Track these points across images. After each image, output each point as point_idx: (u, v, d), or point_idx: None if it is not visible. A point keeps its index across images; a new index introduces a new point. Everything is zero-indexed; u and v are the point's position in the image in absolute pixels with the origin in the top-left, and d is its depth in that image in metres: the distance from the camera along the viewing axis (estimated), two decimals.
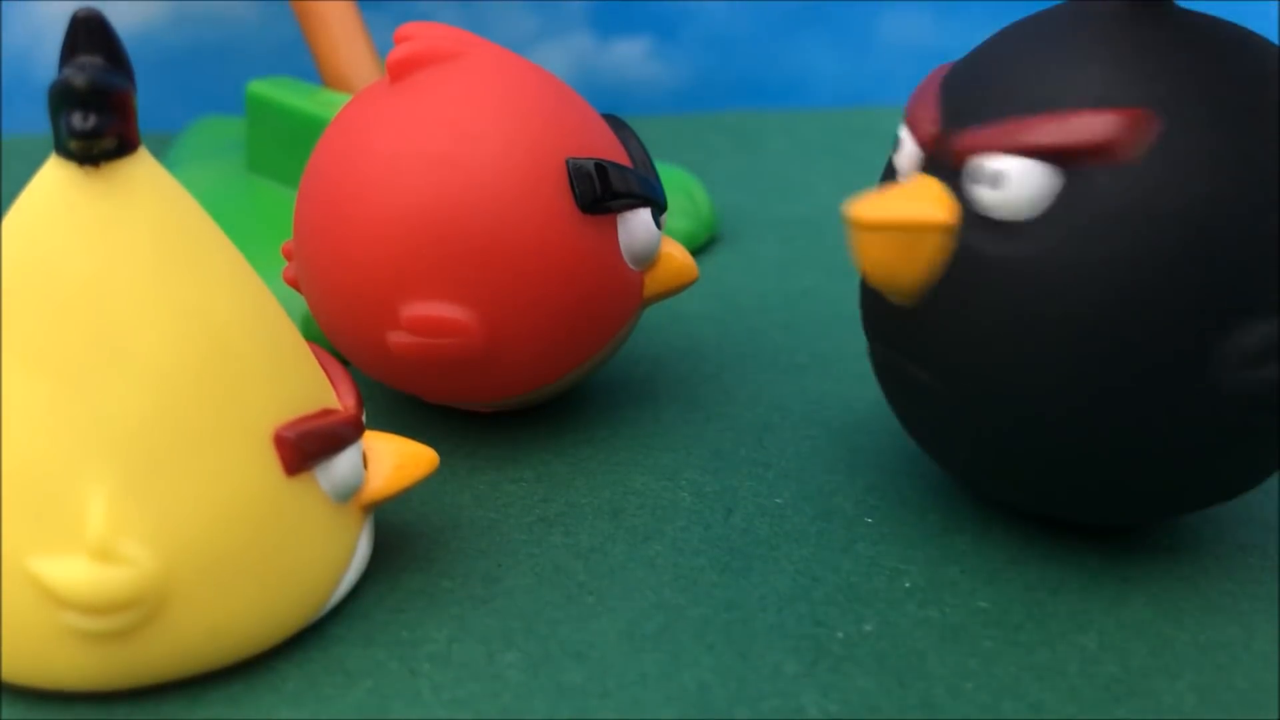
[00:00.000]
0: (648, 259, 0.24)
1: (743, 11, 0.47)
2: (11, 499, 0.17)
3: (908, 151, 0.20)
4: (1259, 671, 0.19)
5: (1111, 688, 0.18)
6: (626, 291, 0.23)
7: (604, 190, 0.22)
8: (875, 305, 0.21)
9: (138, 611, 0.17)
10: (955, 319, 0.19)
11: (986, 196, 0.18)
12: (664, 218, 0.24)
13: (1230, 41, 0.19)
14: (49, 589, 0.17)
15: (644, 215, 0.23)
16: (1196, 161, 0.17)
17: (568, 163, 0.22)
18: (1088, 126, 0.18)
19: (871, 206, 0.19)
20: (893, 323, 0.20)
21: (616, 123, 0.24)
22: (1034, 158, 0.18)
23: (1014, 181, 0.18)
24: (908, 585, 0.20)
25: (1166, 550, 0.21)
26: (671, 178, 0.35)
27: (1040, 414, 0.19)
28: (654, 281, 0.24)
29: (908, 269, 0.19)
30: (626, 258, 0.23)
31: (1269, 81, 0.18)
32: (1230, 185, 0.17)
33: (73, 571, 0.16)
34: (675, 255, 0.24)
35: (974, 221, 0.19)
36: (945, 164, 0.19)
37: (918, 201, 0.19)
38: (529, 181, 0.22)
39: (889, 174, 0.21)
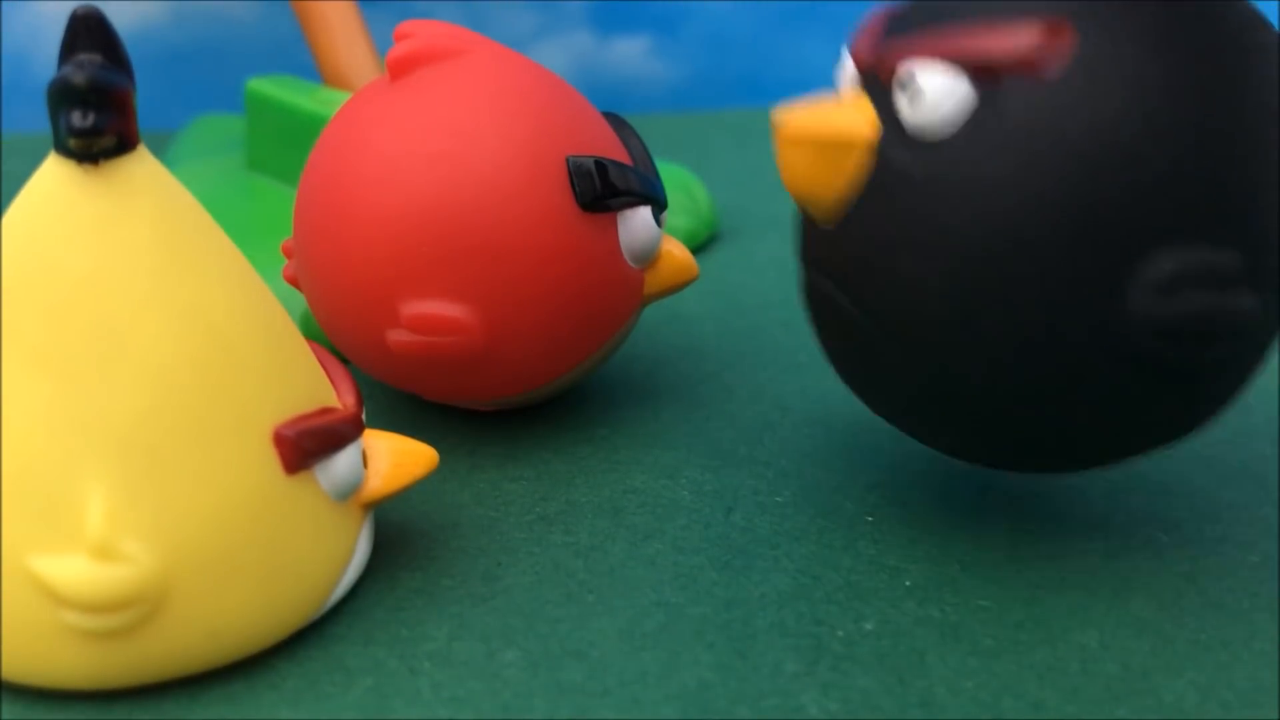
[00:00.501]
0: (648, 257, 0.24)
1: (743, 9, 0.47)
2: (11, 497, 0.17)
3: (847, 72, 0.20)
4: (1259, 671, 0.19)
5: (1112, 686, 0.18)
6: (626, 290, 0.23)
7: (604, 188, 0.22)
8: (804, 226, 0.20)
9: (137, 610, 0.17)
10: (869, 236, 0.19)
11: (905, 110, 0.18)
12: (664, 216, 0.24)
13: None
14: (48, 587, 0.17)
15: (644, 213, 0.23)
16: (1114, 79, 0.17)
17: (568, 161, 0.22)
18: (1004, 36, 0.17)
19: (795, 118, 0.19)
20: (816, 244, 0.20)
21: (616, 121, 0.24)
22: (951, 67, 0.18)
23: (930, 94, 0.18)
24: (908, 584, 0.20)
25: (1166, 549, 0.21)
26: (671, 176, 0.35)
27: (950, 341, 0.18)
28: (654, 280, 0.24)
29: (828, 184, 0.19)
30: (626, 256, 0.23)
31: (1199, 6, 0.18)
32: (1148, 105, 0.17)
33: (72, 570, 0.16)
34: (675, 253, 0.24)
35: (893, 136, 0.18)
36: (875, 80, 0.19)
37: (841, 114, 0.19)
38: (529, 179, 0.22)
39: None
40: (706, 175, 0.39)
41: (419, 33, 0.23)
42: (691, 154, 0.41)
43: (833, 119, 0.19)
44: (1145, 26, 0.17)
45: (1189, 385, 0.18)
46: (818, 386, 0.27)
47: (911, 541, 0.22)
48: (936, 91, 0.18)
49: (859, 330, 0.19)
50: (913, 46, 0.18)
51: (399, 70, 0.22)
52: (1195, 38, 0.17)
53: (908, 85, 0.18)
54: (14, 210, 0.17)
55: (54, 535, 0.17)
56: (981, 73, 0.18)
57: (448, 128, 0.22)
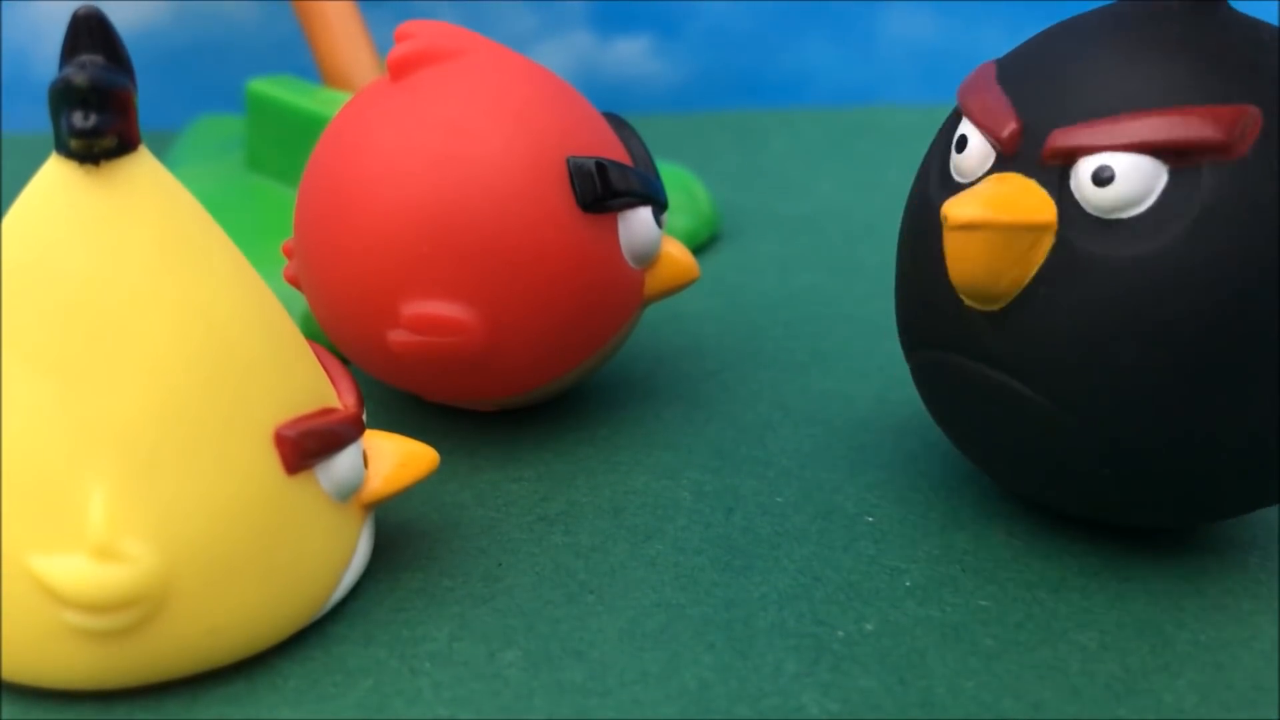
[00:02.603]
0: (648, 258, 0.24)
1: (743, 9, 0.47)
2: (12, 497, 0.17)
3: (977, 152, 0.19)
4: (1259, 671, 0.19)
5: (1112, 686, 0.18)
6: (627, 290, 0.23)
7: (605, 189, 0.22)
8: (941, 310, 0.20)
9: (138, 610, 0.17)
10: (1055, 322, 0.18)
11: (1091, 194, 0.18)
12: (665, 216, 0.24)
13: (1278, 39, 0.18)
14: (49, 587, 0.17)
15: (645, 214, 0.23)
16: None
17: (568, 161, 0.22)
18: (1199, 122, 0.17)
19: (966, 205, 0.18)
20: (973, 329, 0.19)
21: (617, 121, 0.24)
22: (1144, 154, 0.18)
23: (1122, 177, 0.18)
24: (908, 584, 0.20)
25: (1167, 550, 0.21)
26: (672, 176, 0.35)
27: (1145, 422, 0.18)
28: (655, 280, 0.24)
29: (1005, 271, 0.18)
30: (627, 256, 0.23)
31: None
32: None
33: (73, 570, 0.16)
34: (676, 254, 0.24)
35: (1076, 219, 0.18)
36: (1033, 162, 0.18)
37: (1019, 199, 0.18)
38: (529, 180, 0.22)
39: (945, 176, 0.20)
40: (707, 175, 0.39)
41: (419, 33, 0.23)
42: (692, 154, 0.41)
43: (1013, 204, 0.18)
44: None
45: None
46: (818, 386, 0.27)
47: (912, 542, 0.22)
48: (1129, 173, 0.18)
49: (1037, 416, 0.19)
50: (1096, 135, 0.18)
51: (400, 71, 0.22)
52: None
53: (1092, 168, 0.18)
54: (15, 210, 0.17)
55: (55, 535, 0.17)
56: (1175, 157, 0.17)
57: (448, 128, 0.22)
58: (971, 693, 0.18)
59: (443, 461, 0.24)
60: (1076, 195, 0.18)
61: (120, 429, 0.17)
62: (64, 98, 0.16)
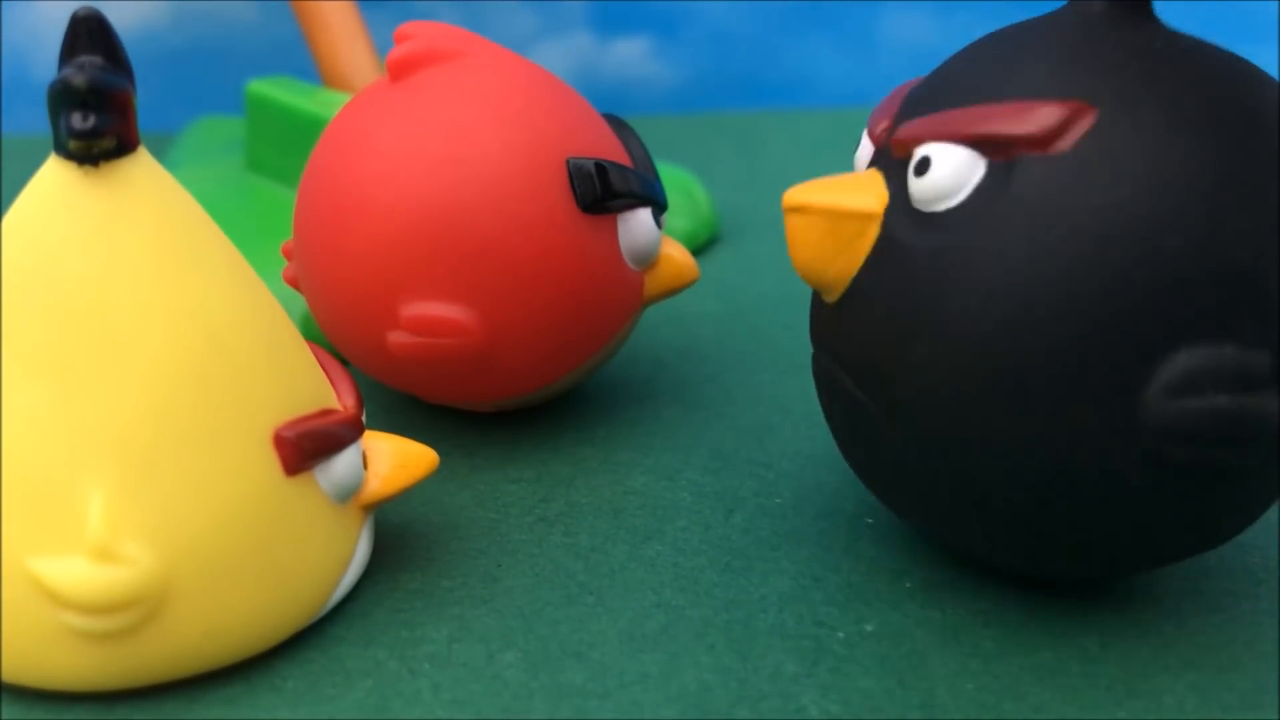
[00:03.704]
0: (648, 259, 0.24)
1: (743, 11, 0.47)
2: (11, 498, 0.17)
3: (863, 149, 0.20)
4: (1259, 672, 0.19)
5: (1112, 688, 0.18)
6: (627, 291, 0.23)
7: (604, 190, 0.22)
8: (814, 303, 0.20)
9: (137, 611, 0.17)
10: (872, 313, 0.18)
11: (913, 184, 0.18)
12: (664, 218, 0.24)
13: (1197, 54, 0.17)
14: (49, 589, 0.17)
15: (644, 215, 0.23)
16: (1129, 159, 0.16)
17: (568, 162, 0.22)
18: (1017, 114, 0.17)
19: (801, 190, 0.19)
20: (822, 322, 0.20)
21: (617, 122, 0.24)
22: (961, 145, 0.17)
23: (937, 166, 0.17)
24: (909, 585, 0.20)
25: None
26: (672, 177, 0.35)
27: (956, 426, 0.17)
28: (654, 281, 0.24)
29: (830, 258, 0.18)
30: (627, 258, 0.23)
31: (1230, 97, 0.17)
32: (1169, 187, 0.16)
33: (72, 571, 0.16)
34: (676, 255, 0.24)
35: (899, 211, 0.18)
36: (888, 156, 0.19)
37: (848, 188, 0.18)
38: (529, 181, 0.22)
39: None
40: (707, 177, 0.39)
41: (419, 34, 0.23)
42: (692, 155, 0.41)
43: (840, 192, 0.18)
44: (1169, 108, 0.17)
45: (1212, 490, 0.17)
46: None
47: (912, 543, 0.22)
48: (943, 162, 0.17)
49: (863, 413, 0.19)
50: (924, 127, 0.18)
51: (399, 72, 0.22)
52: (1224, 123, 0.16)
53: (917, 158, 0.18)
54: (14, 212, 0.17)
55: (54, 537, 0.17)
56: (995, 150, 0.17)
57: (448, 129, 0.22)
58: (972, 694, 0.18)
59: (442, 463, 0.24)
60: (909, 188, 0.18)
61: (119, 430, 0.17)
62: (63, 99, 0.16)
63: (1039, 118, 0.17)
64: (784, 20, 0.48)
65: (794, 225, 0.19)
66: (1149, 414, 0.16)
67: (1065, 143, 0.17)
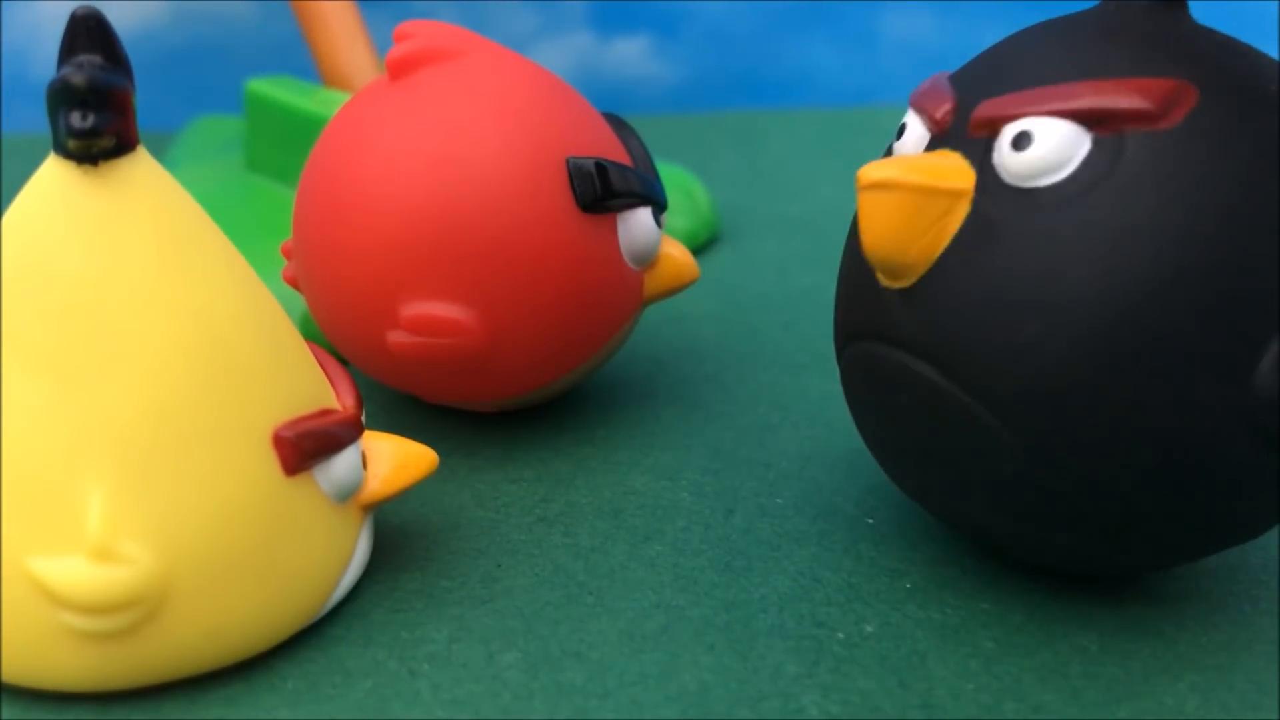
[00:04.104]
0: (648, 258, 0.24)
1: (743, 10, 0.47)
2: (10, 498, 0.17)
3: (914, 135, 0.19)
4: (1260, 673, 0.19)
5: (1113, 688, 0.18)
6: (627, 291, 0.23)
7: (604, 189, 0.22)
8: (862, 293, 0.19)
9: (136, 611, 0.17)
10: (966, 295, 0.17)
11: (1011, 160, 0.17)
12: (664, 217, 0.24)
13: (1243, 46, 0.18)
14: (48, 589, 0.16)
15: (644, 214, 0.23)
16: (1236, 137, 0.16)
17: (568, 162, 0.22)
18: (1125, 90, 0.17)
19: (881, 166, 0.17)
20: (885, 310, 0.18)
21: (617, 122, 0.24)
22: (1066, 119, 0.17)
23: (1040, 141, 0.17)
24: (909, 586, 0.20)
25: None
26: (672, 177, 0.35)
27: (1061, 409, 0.17)
28: (654, 281, 0.24)
29: (912, 239, 0.17)
30: (627, 257, 0.23)
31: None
32: (1273, 167, 0.16)
33: (71, 571, 0.16)
34: (675, 255, 0.24)
35: (991, 190, 0.17)
36: (961, 136, 0.18)
37: (929, 164, 0.17)
38: (529, 181, 0.22)
39: None
40: (707, 176, 0.39)
41: (419, 33, 0.23)
42: (692, 155, 0.41)
43: (926, 169, 0.17)
44: (1258, 90, 0.17)
45: None
46: (818, 387, 0.27)
47: (912, 544, 0.22)
48: (1047, 136, 0.17)
49: (945, 404, 0.17)
50: (1017, 103, 0.17)
51: (399, 71, 0.22)
52: None
53: (1011, 134, 0.17)
54: (13, 211, 0.17)
55: (53, 536, 0.17)
56: (1102, 125, 0.17)
57: (448, 129, 0.22)
58: (972, 695, 0.18)
59: (442, 463, 0.24)
60: (997, 165, 0.17)
61: (118, 430, 0.17)
62: (62, 98, 0.16)
63: (1149, 94, 0.17)
64: (784, 19, 0.48)
65: (873, 203, 0.17)
66: (1259, 389, 0.16)
67: (1174, 119, 0.17)
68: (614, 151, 0.23)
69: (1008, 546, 0.20)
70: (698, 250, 0.34)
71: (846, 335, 0.19)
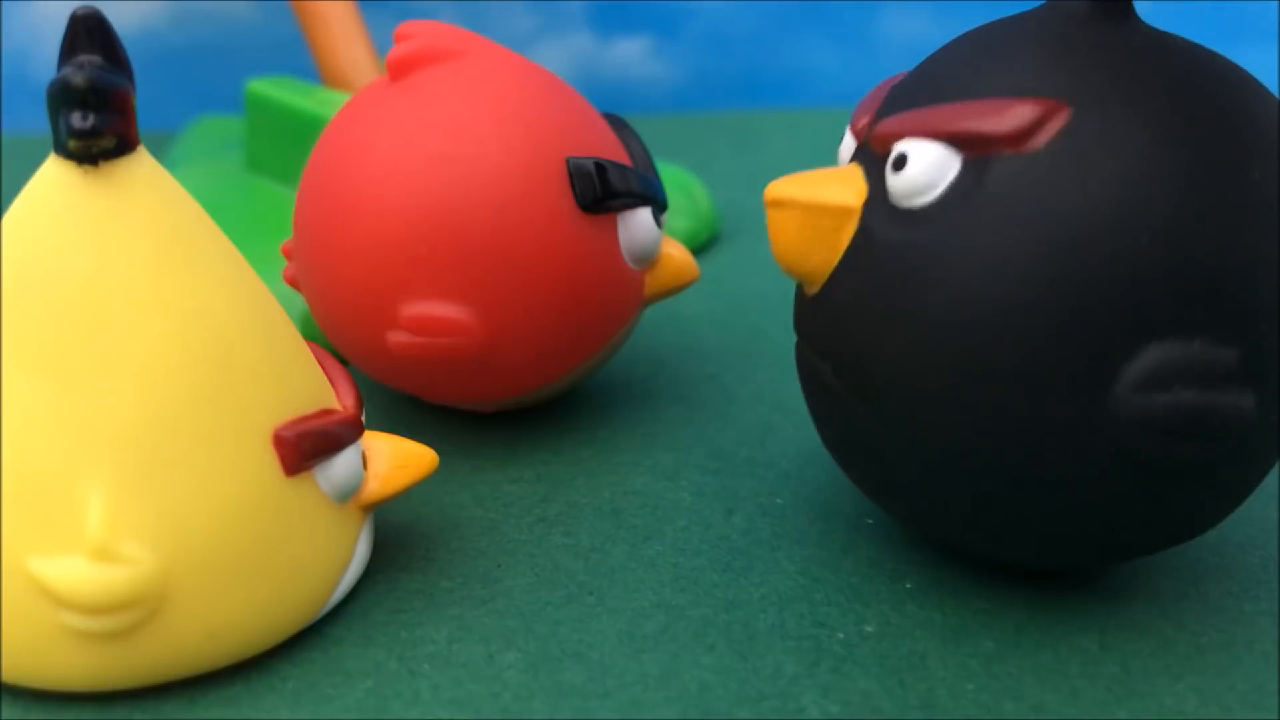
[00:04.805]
0: (648, 258, 0.24)
1: (743, 10, 0.47)
2: (11, 498, 0.17)
3: (845, 143, 0.20)
4: (1259, 673, 0.19)
5: (1113, 688, 0.18)
6: (627, 291, 0.23)
7: (604, 189, 0.22)
8: (797, 295, 0.20)
9: (137, 611, 0.17)
10: (849, 306, 0.18)
11: (890, 180, 0.18)
12: (664, 217, 0.24)
13: (1176, 53, 0.18)
14: (48, 589, 0.16)
15: (644, 214, 0.23)
16: (1101, 158, 0.16)
17: (568, 162, 0.22)
18: (991, 112, 0.17)
19: (782, 184, 0.19)
20: (803, 314, 0.20)
21: (617, 122, 0.24)
22: (937, 141, 0.17)
23: (913, 163, 0.18)
24: (909, 586, 0.20)
25: (1166, 552, 0.21)
26: (672, 177, 0.35)
27: (931, 417, 0.17)
28: (654, 281, 0.24)
29: (808, 251, 0.19)
30: (627, 257, 0.23)
31: (1207, 95, 0.17)
32: (1135, 188, 0.16)
33: (72, 571, 0.16)
34: (675, 255, 0.24)
35: (878, 206, 0.18)
36: (869, 151, 0.19)
37: (827, 182, 0.19)
38: (529, 181, 0.22)
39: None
40: (706, 176, 0.39)
41: (419, 33, 0.23)
42: (692, 155, 0.41)
43: (819, 186, 0.19)
44: (1142, 106, 0.17)
45: (1184, 485, 0.17)
46: None
47: (912, 544, 0.22)
48: (919, 158, 0.17)
49: (841, 402, 0.19)
50: (901, 124, 0.18)
51: (399, 71, 0.22)
52: (1197, 121, 0.17)
53: (894, 154, 0.18)
54: (14, 211, 0.17)
55: (53, 536, 0.17)
56: (970, 148, 0.17)
57: (447, 129, 0.22)
58: (972, 695, 0.18)
59: (442, 463, 0.24)
60: (887, 183, 0.18)
61: (118, 430, 0.17)
62: (62, 98, 0.16)
63: (1012, 116, 0.17)
64: (783, 20, 0.48)
65: (774, 219, 0.19)
66: (1119, 408, 0.16)
67: (1038, 141, 0.17)
68: (614, 151, 0.23)
69: (917, 533, 0.21)
70: (698, 250, 0.34)
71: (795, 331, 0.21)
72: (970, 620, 0.20)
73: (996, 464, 0.17)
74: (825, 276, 0.19)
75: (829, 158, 0.43)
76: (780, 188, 0.19)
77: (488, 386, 0.23)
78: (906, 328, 0.17)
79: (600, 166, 0.22)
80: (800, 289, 0.20)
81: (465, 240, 0.21)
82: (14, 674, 0.17)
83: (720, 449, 0.24)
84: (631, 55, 0.47)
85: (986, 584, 0.20)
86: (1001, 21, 0.19)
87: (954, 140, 0.17)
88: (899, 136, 0.18)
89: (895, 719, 0.18)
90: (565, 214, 0.22)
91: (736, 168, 0.41)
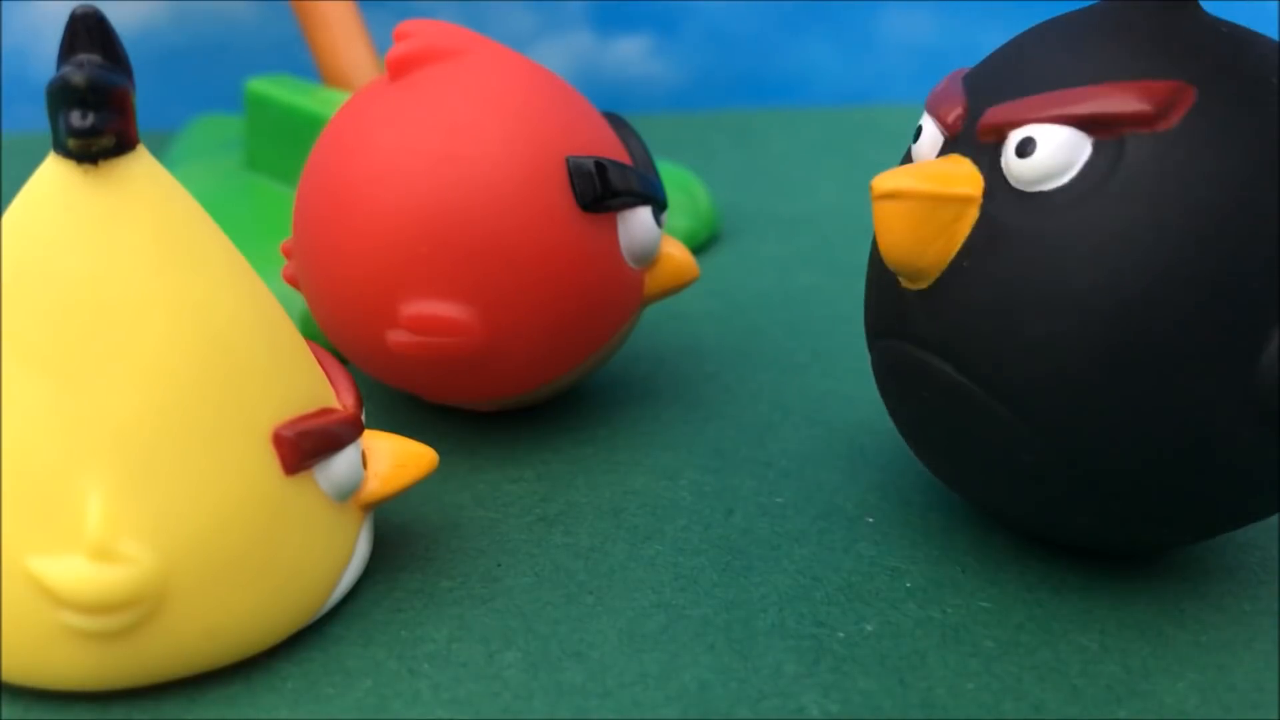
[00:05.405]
0: (648, 257, 0.24)
1: (743, 9, 0.47)
2: (10, 498, 0.17)
3: (929, 138, 0.19)
4: (1259, 671, 0.19)
5: (1113, 688, 0.18)
6: (626, 290, 0.23)
7: (604, 188, 0.22)
8: (886, 294, 0.20)
9: (136, 611, 0.17)
10: (978, 296, 0.18)
11: (1014, 165, 0.18)
12: (664, 216, 0.24)
13: (1254, 36, 0.18)
14: (48, 588, 0.16)
15: (644, 214, 0.23)
16: (1235, 134, 0.17)
17: (568, 161, 0.22)
18: (1122, 94, 0.17)
19: (892, 176, 0.18)
20: (906, 310, 0.19)
21: (617, 121, 0.24)
22: (1067, 125, 0.17)
23: (1042, 147, 0.17)
24: (909, 585, 0.20)
25: (1167, 551, 0.21)
26: (672, 176, 0.35)
27: (1071, 404, 0.17)
28: (654, 280, 0.24)
29: (926, 244, 0.18)
30: (626, 256, 0.23)
31: None
32: (1270, 162, 0.17)
33: (71, 571, 0.16)
34: (675, 254, 0.24)
35: (999, 194, 0.18)
36: (971, 141, 0.18)
37: (939, 171, 0.18)
38: (529, 180, 0.22)
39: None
40: (706, 175, 0.39)
41: (419, 33, 0.23)
42: (692, 154, 0.41)
43: (935, 176, 0.18)
44: (1257, 85, 0.17)
45: None
46: (818, 387, 0.27)
47: (912, 543, 0.21)
48: (1049, 142, 0.17)
49: (965, 399, 0.18)
50: (1022, 110, 0.18)
51: (399, 70, 0.22)
52: None
53: (1016, 140, 0.18)
54: (13, 210, 0.17)
55: (53, 536, 0.17)
56: (1102, 129, 0.17)
57: (448, 128, 0.22)
58: (972, 694, 0.18)
59: (442, 462, 0.24)
60: (1004, 170, 0.18)
61: (118, 429, 0.17)
62: (62, 97, 0.16)
63: (1146, 97, 0.17)
64: (784, 19, 0.48)
65: (886, 212, 0.18)
66: (1266, 379, 0.17)
67: (1172, 120, 0.17)
68: (614, 151, 0.23)
69: (1033, 528, 0.20)
70: (698, 250, 0.34)
71: (874, 332, 0.20)
72: (970, 619, 0.20)
73: (1142, 445, 0.17)
74: (941, 269, 0.18)
75: (830, 156, 0.43)
76: (893, 179, 0.18)
77: (488, 386, 0.23)
78: (1052, 313, 0.17)
79: (600, 165, 0.22)
80: (889, 288, 0.19)
81: (465, 239, 0.21)
82: (14, 674, 0.17)
83: (720, 448, 0.24)
84: (631, 54, 0.47)
85: (987, 584, 0.20)
86: (1068, 15, 0.19)
87: (1084, 123, 0.17)
88: (1019, 123, 0.18)
89: (895, 718, 0.18)
90: (565, 213, 0.22)
91: (736, 167, 0.41)
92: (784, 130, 0.45)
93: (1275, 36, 0.20)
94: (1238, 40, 0.18)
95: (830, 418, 0.25)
